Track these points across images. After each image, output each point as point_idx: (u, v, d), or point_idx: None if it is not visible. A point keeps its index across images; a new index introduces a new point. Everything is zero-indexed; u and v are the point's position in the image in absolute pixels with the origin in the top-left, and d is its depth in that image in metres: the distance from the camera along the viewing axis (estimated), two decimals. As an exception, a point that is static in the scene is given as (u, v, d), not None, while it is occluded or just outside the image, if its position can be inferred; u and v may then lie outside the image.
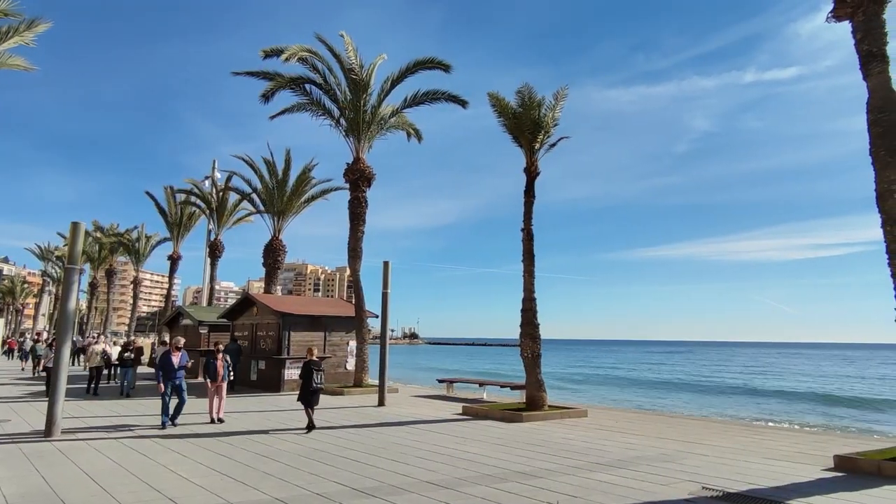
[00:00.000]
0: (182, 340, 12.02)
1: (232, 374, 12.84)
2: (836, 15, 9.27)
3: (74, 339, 29.69)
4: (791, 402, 28.86)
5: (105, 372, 18.64)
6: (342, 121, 20.15)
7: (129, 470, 7.48)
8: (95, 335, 20.39)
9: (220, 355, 12.10)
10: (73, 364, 26.03)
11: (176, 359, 11.22)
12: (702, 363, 72.63)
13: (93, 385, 16.87)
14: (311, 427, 10.89)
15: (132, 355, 17.15)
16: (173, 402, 11.18)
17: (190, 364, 11.95)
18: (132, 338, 19.76)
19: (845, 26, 9.22)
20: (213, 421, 11.66)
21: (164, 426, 10.89)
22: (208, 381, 11.78)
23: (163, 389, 10.91)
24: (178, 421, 11.22)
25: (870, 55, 8.80)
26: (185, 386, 11.28)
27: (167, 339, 17.82)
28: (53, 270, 66.54)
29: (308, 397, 10.97)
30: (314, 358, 11.22)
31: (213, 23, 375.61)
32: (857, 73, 8.99)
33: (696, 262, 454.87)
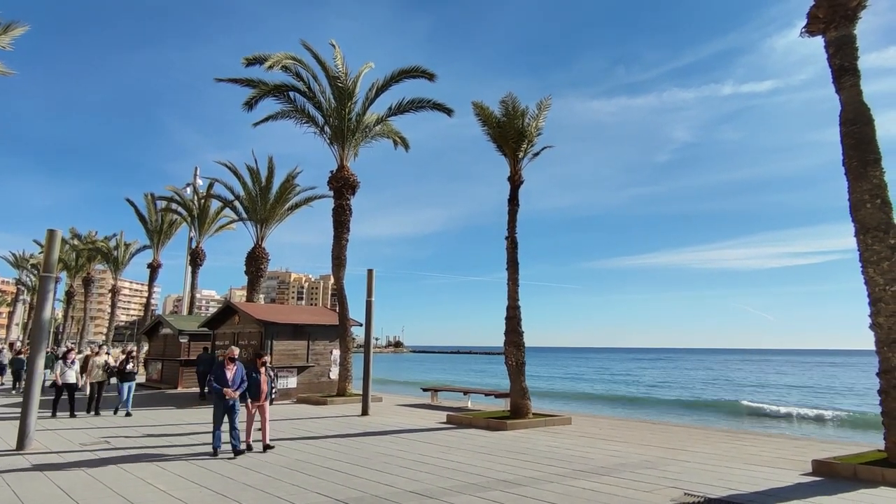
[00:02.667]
0: (237, 351, 10.06)
1: (275, 391, 10.80)
2: (810, 30, 9.54)
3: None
4: (770, 411, 29.21)
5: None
6: (326, 128, 20.11)
7: (105, 483, 7.30)
8: (97, 346, 19.30)
9: (264, 368, 10.09)
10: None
11: (230, 373, 9.45)
12: (683, 370, 73.37)
13: (94, 403, 14.74)
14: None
15: (135, 368, 15.08)
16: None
17: (245, 381, 9.78)
18: (132, 347, 18.65)
19: (819, 41, 9.49)
20: (249, 448, 9.66)
21: (215, 452, 9.29)
22: (248, 399, 9.78)
23: (236, 397, 9.34)
24: (239, 447, 9.30)
25: (842, 69, 9.07)
26: (238, 406, 9.54)
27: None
28: (28, 279, 65.03)
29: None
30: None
31: (197, 30, 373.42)
32: (830, 87, 9.24)
33: (677, 270, 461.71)
